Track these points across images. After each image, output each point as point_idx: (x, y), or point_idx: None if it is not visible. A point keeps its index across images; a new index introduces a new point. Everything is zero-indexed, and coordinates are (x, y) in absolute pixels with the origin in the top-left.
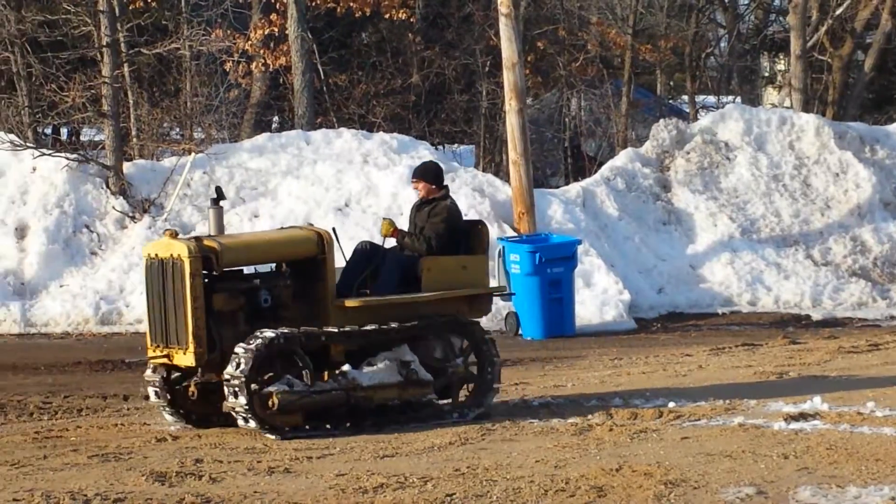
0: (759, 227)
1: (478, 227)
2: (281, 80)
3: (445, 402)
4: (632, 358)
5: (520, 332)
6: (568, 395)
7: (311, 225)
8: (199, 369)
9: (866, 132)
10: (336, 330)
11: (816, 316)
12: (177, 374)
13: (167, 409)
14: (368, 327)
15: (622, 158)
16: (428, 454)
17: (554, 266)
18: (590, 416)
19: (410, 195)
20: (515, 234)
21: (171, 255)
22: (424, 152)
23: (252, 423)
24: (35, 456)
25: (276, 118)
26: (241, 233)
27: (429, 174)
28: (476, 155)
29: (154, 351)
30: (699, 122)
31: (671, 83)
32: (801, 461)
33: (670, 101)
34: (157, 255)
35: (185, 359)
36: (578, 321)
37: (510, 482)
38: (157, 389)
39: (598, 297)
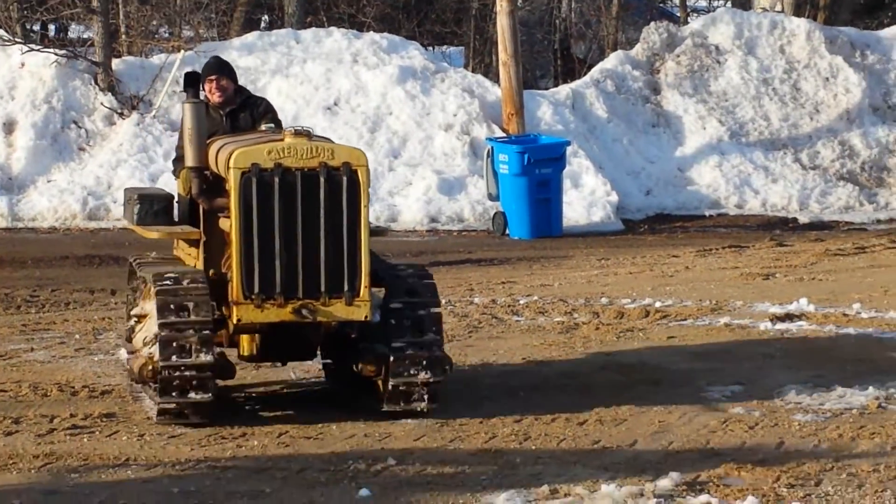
0: (747, 130)
1: None
2: None
3: None
4: (619, 259)
5: (507, 232)
6: (555, 294)
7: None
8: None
9: (857, 37)
10: None
11: (803, 219)
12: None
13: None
14: None
15: (612, 61)
16: None
17: (542, 167)
18: (576, 315)
19: (399, 94)
20: (504, 135)
21: (332, 162)
22: (414, 52)
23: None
24: (23, 348)
25: (265, 17)
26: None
27: (230, 69)
28: (466, 56)
29: (258, 308)
30: (690, 26)
31: None
32: (786, 361)
33: (661, 5)
34: (288, 164)
35: (356, 311)
36: (566, 222)
37: (496, 378)
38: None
39: (585, 198)
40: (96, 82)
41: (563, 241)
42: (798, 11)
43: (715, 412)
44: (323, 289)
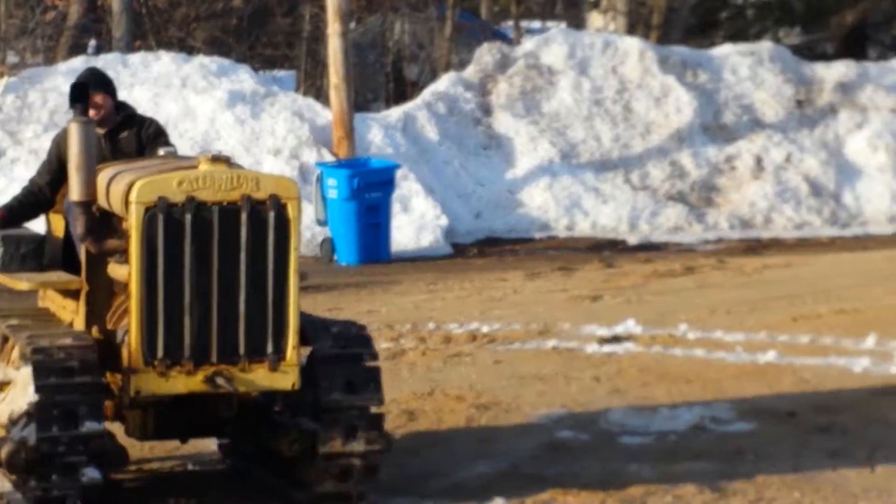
0: (579, 151)
1: None
2: (99, 1)
3: None
4: (447, 283)
5: (335, 258)
6: (382, 320)
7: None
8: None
9: (689, 56)
10: None
11: (633, 240)
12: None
13: None
14: None
15: (444, 83)
16: None
17: (372, 191)
18: (402, 341)
19: (228, 119)
20: (334, 160)
21: (258, 194)
22: (245, 76)
23: None
24: None
25: (93, 41)
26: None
27: (106, 82)
28: (297, 79)
29: (161, 376)
30: (523, 46)
31: (496, 8)
32: (613, 383)
33: (495, 27)
34: (203, 198)
35: (281, 379)
36: (395, 246)
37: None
38: None
39: (415, 222)
40: None
41: (391, 267)
42: (631, 31)
43: (541, 436)
44: (242, 351)
